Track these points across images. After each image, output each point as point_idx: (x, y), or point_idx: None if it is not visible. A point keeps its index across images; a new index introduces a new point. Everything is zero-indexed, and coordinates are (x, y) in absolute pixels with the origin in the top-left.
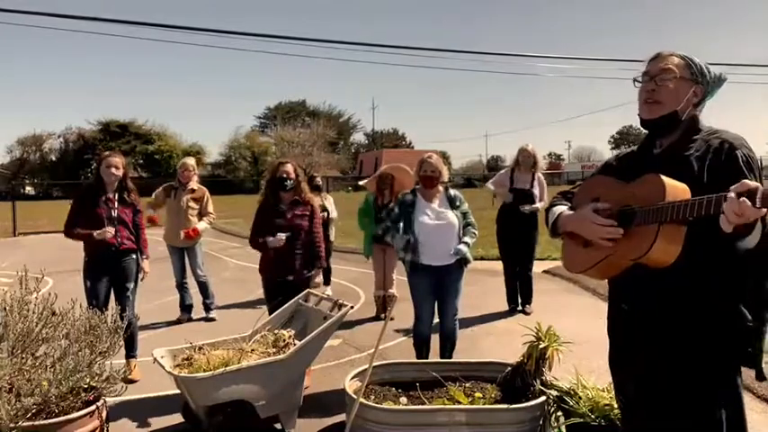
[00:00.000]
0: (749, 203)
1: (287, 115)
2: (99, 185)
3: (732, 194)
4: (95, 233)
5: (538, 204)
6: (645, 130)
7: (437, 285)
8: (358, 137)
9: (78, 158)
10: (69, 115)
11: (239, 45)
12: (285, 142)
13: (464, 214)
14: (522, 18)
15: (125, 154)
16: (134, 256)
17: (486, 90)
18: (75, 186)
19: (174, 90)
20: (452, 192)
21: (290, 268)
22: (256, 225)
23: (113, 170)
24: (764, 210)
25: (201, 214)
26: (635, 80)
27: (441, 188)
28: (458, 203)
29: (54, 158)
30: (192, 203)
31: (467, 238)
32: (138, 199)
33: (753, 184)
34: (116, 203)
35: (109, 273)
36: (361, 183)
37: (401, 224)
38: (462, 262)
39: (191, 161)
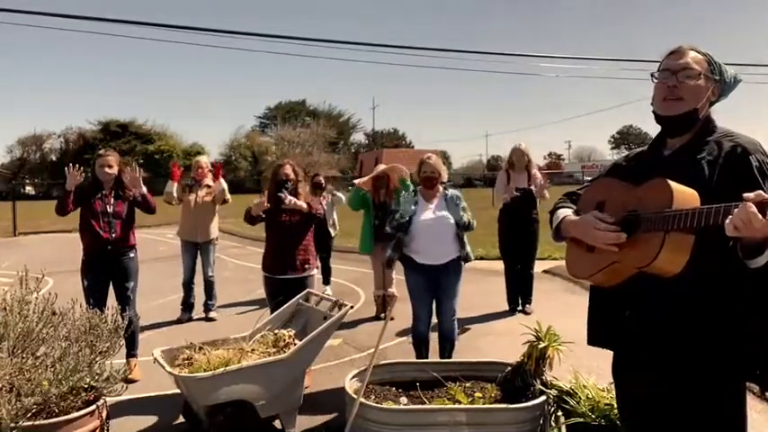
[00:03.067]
0: (759, 215)
1: (287, 115)
2: (95, 184)
3: (745, 203)
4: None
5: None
6: (658, 127)
7: (433, 284)
8: (358, 137)
9: (79, 158)
10: (69, 115)
11: (239, 45)
12: (285, 142)
13: (463, 211)
14: (523, 18)
15: (125, 154)
16: (132, 255)
17: (486, 90)
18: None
19: (174, 90)
20: (451, 192)
21: (289, 265)
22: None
23: (107, 169)
24: None
25: (214, 211)
26: (653, 75)
27: (440, 188)
28: (456, 202)
29: (54, 158)
30: (207, 199)
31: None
32: (153, 203)
33: (765, 195)
34: (112, 199)
35: (107, 271)
36: (356, 182)
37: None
38: (462, 259)
39: (203, 159)
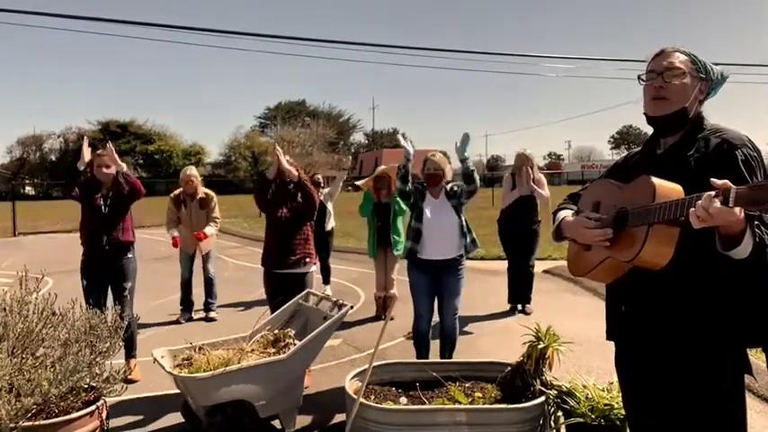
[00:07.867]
0: (718, 203)
1: (287, 115)
2: (94, 185)
3: (707, 193)
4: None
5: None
6: (651, 128)
7: (436, 281)
8: (358, 137)
9: (78, 158)
10: (69, 115)
11: (239, 45)
12: (285, 142)
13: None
14: (523, 18)
15: (125, 154)
16: (130, 255)
17: (486, 90)
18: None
19: (174, 90)
20: (450, 185)
21: (286, 260)
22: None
23: (104, 170)
24: (736, 210)
25: (208, 220)
26: (640, 78)
27: (444, 186)
28: (456, 189)
29: (54, 158)
30: (200, 213)
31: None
32: (134, 181)
33: (728, 183)
34: (110, 200)
35: (105, 271)
36: (358, 183)
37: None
38: (466, 248)
39: (192, 171)
